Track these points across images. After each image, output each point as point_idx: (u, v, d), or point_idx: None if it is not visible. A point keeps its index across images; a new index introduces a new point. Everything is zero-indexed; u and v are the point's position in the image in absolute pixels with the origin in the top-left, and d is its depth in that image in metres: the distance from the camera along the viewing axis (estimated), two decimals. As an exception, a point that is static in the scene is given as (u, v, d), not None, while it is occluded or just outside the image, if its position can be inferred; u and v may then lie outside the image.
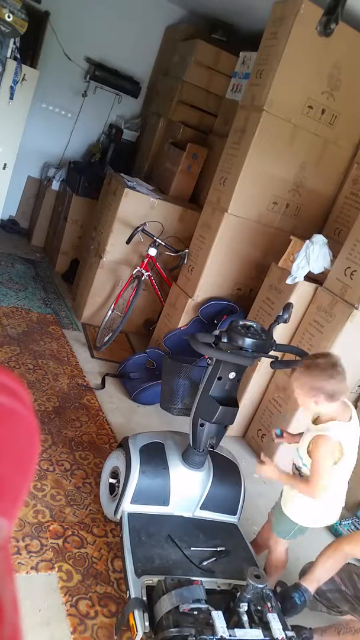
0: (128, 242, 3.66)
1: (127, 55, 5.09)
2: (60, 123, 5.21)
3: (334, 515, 1.82)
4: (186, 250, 3.58)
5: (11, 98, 4.14)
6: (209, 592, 1.60)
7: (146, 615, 1.55)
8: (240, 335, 1.74)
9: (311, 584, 1.72)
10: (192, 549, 1.89)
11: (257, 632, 1.48)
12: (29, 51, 4.71)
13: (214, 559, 1.88)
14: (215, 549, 1.93)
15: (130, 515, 1.94)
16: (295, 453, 1.79)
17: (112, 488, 2.16)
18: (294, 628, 1.59)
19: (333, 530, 2.63)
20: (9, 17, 3.68)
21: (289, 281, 2.86)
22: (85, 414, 2.88)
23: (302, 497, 1.74)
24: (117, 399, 3.19)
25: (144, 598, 1.61)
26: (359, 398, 2.99)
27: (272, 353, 1.86)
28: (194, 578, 1.64)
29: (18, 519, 1.99)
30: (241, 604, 1.54)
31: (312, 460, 1.66)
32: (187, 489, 2.03)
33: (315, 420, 1.72)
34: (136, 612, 1.55)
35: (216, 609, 1.50)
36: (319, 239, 2.84)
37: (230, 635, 1.43)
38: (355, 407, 2.98)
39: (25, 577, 1.81)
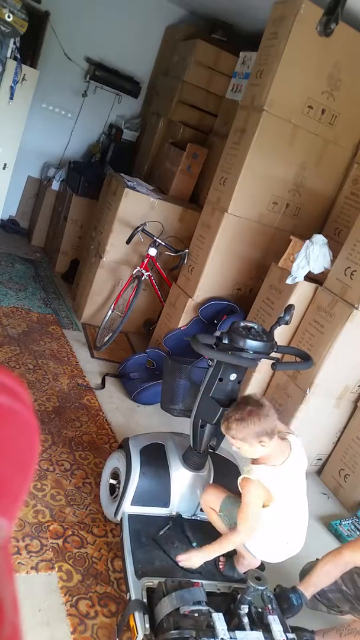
0: (128, 242, 3.66)
1: (127, 55, 5.09)
2: (60, 123, 5.21)
3: (275, 557, 1.78)
4: (186, 250, 3.58)
5: (11, 98, 4.14)
6: (209, 594, 1.60)
7: (146, 617, 1.54)
8: (242, 337, 1.74)
9: (307, 589, 1.71)
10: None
11: (258, 635, 1.48)
12: (29, 51, 4.71)
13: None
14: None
15: (131, 516, 1.94)
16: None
17: (112, 489, 2.16)
18: (295, 630, 1.59)
19: (333, 530, 2.63)
20: (9, 17, 3.67)
21: (289, 281, 2.86)
22: (85, 414, 2.88)
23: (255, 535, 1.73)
24: (117, 399, 3.18)
25: (145, 600, 1.61)
26: (359, 398, 2.99)
27: (273, 354, 1.86)
28: (194, 580, 1.64)
29: (18, 519, 1.99)
30: (242, 606, 1.53)
31: (241, 503, 1.66)
32: (187, 491, 2.03)
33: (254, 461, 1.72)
34: (136, 614, 1.55)
35: (217, 611, 1.50)
36: (319, 239, 2.84)
37: (230, 638, 1.42)
38: (355, 406, 2.99)
39: (25, 577, 1.81)
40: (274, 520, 1.68)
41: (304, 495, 1.74)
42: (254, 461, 1.68)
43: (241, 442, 1.61)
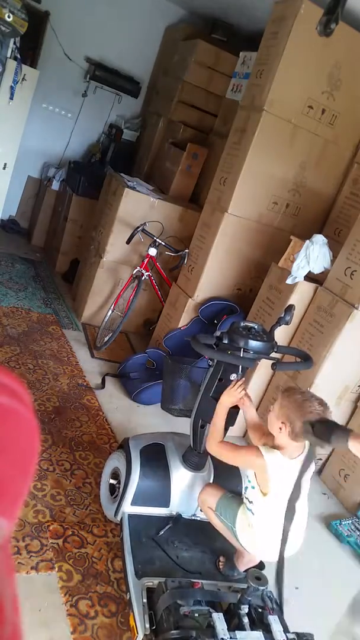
0: (128, 242, 3.66)
1: (127, 55, 5.09)
2: (60, 123, 5.21)
3: (271, 555, 1.72)
4: (186, 250, 3.58)
5: (11, 98, 4.14)
6: (209, 594, 1.60)
7: (147, 617, 1.54)
8: (242, 337, 1.74)
9: None
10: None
11: (258, 634, 1.48)
12: (29, 51, 4.71)
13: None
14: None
15: (131, 516, 1.94)
16: (245, 475, 1.76)
17: (112, 489, 2.16)
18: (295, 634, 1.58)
19: (333, 530, 2.63)
20: (9, 17, 3.67)
21: (289, 281, 2.86)
22: (85, 414, 2.88)
23: (248, 531, 1.71)
24: (117, 399, 3.18)
25: (145, 600, 1.61)
26: (359, 398, 2.99)
27: (273, 355, 1.86)
28: (194, 580, 1.64)
29: (18, 519, 1.99)
30: (242, 606, 1.53)
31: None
32: (187, 491, 2.03)
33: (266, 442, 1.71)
34: (137, 614, 1.55)
35: (217, 611, 1.50)
36: (319, 239, 2.84)
37: (231, 638, 1.42)
38: (355, 407, 2.99)
39: (25, 577, 1.81)
40: (272, 513, 1.66)
41: (305, 497, 1.73)
42: (274, 445, 1.67)
43: (278, 407, 1.60)
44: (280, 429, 1.58)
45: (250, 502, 1.68)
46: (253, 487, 1.66)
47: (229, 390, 1.76)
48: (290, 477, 1.62)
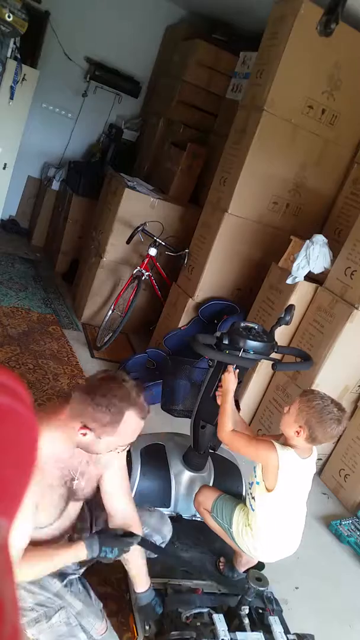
0: (128, 242, 3.66)
1: (127, 55, 5.08)
2: (60, 123, 5.21)
3: (268, 555, 1.74)
4: (186, 250, 3.58)
5: (11, 98, 4.14)
6: (209, 595, 1.60)
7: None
8: (242, 337, 1.74)
9: None
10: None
11: (259, 635, 1.48)
12: (29, 51, 4.70)
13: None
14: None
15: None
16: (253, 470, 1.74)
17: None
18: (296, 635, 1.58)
19: (333, 530, 2.63)
20: (9, 17, 3.67)
21: (289, 281, 2.86)
22: (85, 414, 2.87)
23: (247, 530, 1.71)
24: (117, 399, 3.18)
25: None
26: (359, 398, 2.99)
27: (273, 355, 1.85)
28: (195, 581, 1.63)
29: (18, 520, 1.99)
30: (242, 607, 1.53)
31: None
32: (188, 491, 2.03)
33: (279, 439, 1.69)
34: (137, 615, 1.55)
35: (217, 612, 1.50)
36: (319, 239, 2.84)
37: (231, 638, 1.42)
38: (355, 407, 2.99)
39: (25, 577, 1.81)
40: (274, 511, 1.66)
41: (305, 498, 1.73)
42: (287, 442, 1.65)
43: (295, 411, 1.56)
44: (298, 432, 1.56)
45: (253, 498, 1.67)
46: (258, 483, 1.64)
47: (229, 377, 1.75)
48: (299, 476, 1.62)
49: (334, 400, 1.58)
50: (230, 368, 1.77)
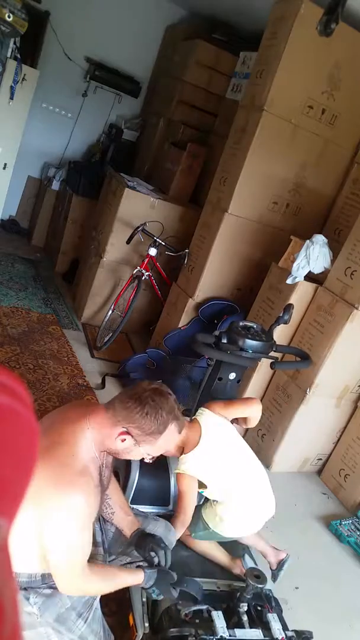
0: (128, 242, 3.66)
1: (127, 55, 5.08)
2: (60, 123, 5.21)
3: (253, 526, 1.80)
4: (186, 250, 3.58)
5: (11, 98, 4.14)
6: (208, 592, 1.60)
7: (146, 616, 1.55)
8: (241, 336, 1.74)
9: None
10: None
11: (257, 632, 1.48)
12: (29, 51, 4.70)
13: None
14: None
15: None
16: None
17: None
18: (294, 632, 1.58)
19: (333, 530, 2.63)
20: (9, 17, 3.67)
21: (289, 281, 2.86)
22: (85, 414, 2.87)
23: (219, 508, 1.76)
24: (117, 399, 3.18)
25: (144, 599, 1.61)
26: (359, 398, 2.99)
27: (272, 354, 1.86)
28: (195, 578, 1.63)
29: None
30: (241, 604, 1.54)
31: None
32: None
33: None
34: (136, 613, 1.55)
35: (216, 609, 1.50)
36: (319, 239, 2.84)
37: (230, 635, 1.43)
38: (355, 407, 2.99)
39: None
40: (227, 488, 1.70)
41: (247, 455, 1.75)
42: (180, 453, 1.70)
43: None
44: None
45: (212, 499, 1.76)
46: (202, 492, 1.73)
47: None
48: (213, 457, 1.68)
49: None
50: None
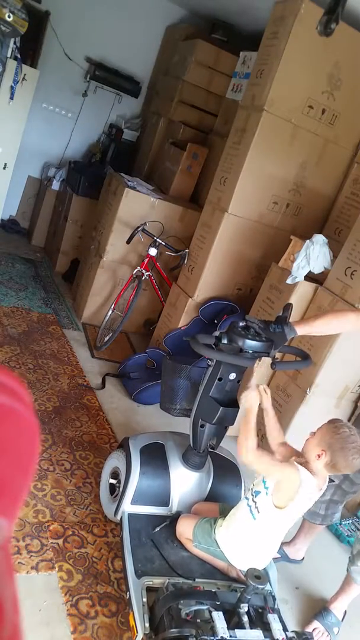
0: (128, 242, 3.66)
1: (127, 55, 5.09)
2: (60, 123, 5.21)
3: (259, 562, 1.74)
4: (186, 250, 3.58)
5: (11, 98, 4.14)
6: (208, 593, 1.60)
7: (146, 616, 1.55)
8: (240, 336, 1.74)
9: (300, 326, 1.82)
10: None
11: (258, 633, 1.48)
12: (29, 51, 4.71)
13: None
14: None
15: (131, 516, 1.94)
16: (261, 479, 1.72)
17: (112, 488, 2.16)
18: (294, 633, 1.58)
19: (333, 530, 2.63)
20: (9, 16, 3.67)
21: (289, 281, 2.86)
22: (85, 414, 2.88)
23: (239, 536, 1.71)
24: (117, 399, 3.19)
25: (144, 599, 1.61)
26: (359, 398, 2.99)
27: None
28: (196, 578, 1.63)
29: (18, 519, 1.99)
30: (242, 605, 1.53)
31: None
32: (187, 490, 2.03)
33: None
34: (136, 613, 1.55)
35: (216, 609, 1.50)
36: (319, 239, 2.84)
37: (230, 636, 1.42)
38: (356, 407, 2.99)
39: (26, 577, 1.81)
40: (275, 528, 1.68)
41: (290, 524, 1.74)
42: (307, 465, 1.64)
43: (319, 436, 1.61)
44: (319, 456, 1.58)
45: (257, 507, 1.66)
46: (267, 494, 1.63)
47: (252, 394, 1.73)
48: (309, 503, 1.64)
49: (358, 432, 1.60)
50: (254, 384, 1.76)
